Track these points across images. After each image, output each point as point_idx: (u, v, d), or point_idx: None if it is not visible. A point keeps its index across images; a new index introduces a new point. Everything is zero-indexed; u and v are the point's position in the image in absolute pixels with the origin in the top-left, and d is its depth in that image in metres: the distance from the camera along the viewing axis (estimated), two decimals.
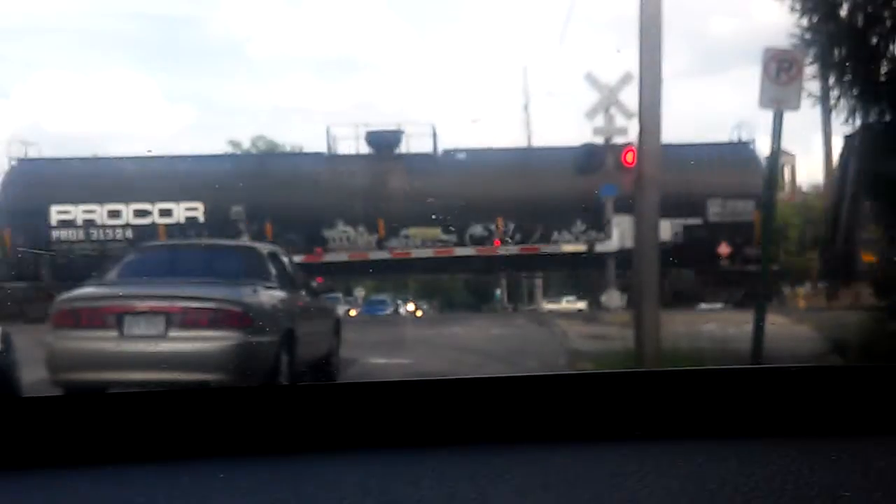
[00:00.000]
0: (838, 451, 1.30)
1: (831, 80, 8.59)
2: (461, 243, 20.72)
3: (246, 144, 58.43)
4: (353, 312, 32.70)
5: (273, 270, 8.94)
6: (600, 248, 20.09)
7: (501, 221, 20.18)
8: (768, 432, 1.34)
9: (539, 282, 33.09)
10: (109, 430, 1.28)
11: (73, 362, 7.56)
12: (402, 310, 40.02)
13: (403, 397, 1.39)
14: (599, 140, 20.42)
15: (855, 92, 8.31)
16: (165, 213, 20.41)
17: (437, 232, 20.48)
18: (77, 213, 20.56)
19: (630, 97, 19.44)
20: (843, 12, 8.32)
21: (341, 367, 10.65)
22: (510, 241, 20.30)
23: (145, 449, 1.28)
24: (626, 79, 19.83)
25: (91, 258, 19.15)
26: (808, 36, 8.48)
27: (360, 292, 38.67)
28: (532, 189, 19.49)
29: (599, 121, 20.49)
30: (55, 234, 20.39)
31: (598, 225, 19.83)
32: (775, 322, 10.87)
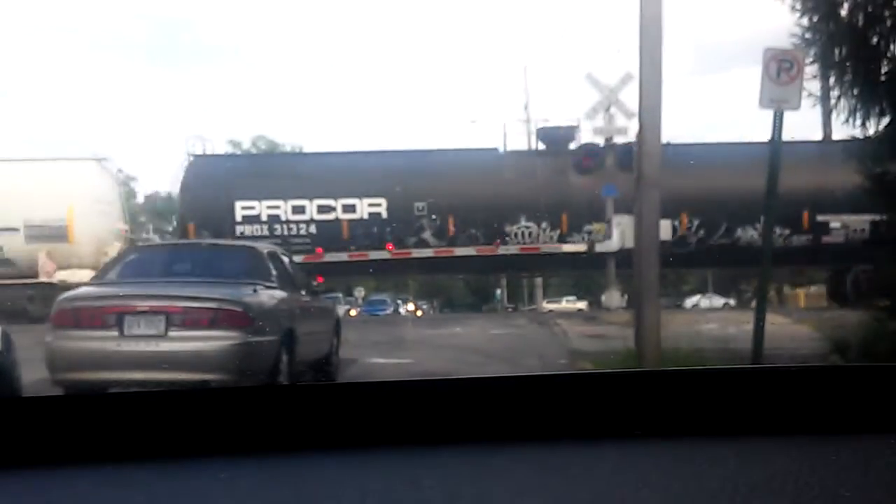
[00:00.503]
0: (838, 451, 1.30)
1: (831, 80, 8.59)
2: None
3: (246, 144, 58.26)
4: (353, 312, 32.73)
5: (273, 270, 8.93)
6: (600, 248, 20.08)
7: (686, 217, 19.92)
8: (768, 432, 1.34)
9: (539, 282, 33.07)
10: (109, 430, 1.28)
11: (73, 362, 7.56)
12: (402, 310, 40.05)
13: (403, 397, 1.39)
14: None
15: (855, 92, 8.31)
16: (349, 208, 20.41)
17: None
18: (261, 208, 20.54)
19: (631, 97, 19.40)
20: (843, 12, 8.31)
21: (341, 367, 10.65)
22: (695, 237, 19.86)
23: (145, 449, 1.28)
24: (626, 78, 19.88)
25: None
26: (808, 36, 8.48)
27: (359, 292, 38.69)
28: (718, 184, 18.90)
29: (599, 121, 20.54)
30: (239, 229, 20.38)
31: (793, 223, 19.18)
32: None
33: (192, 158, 22.09)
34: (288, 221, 20.77)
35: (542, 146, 21.73)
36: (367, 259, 22.32)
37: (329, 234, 20.23)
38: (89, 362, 7.49)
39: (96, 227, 19.34)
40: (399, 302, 42.67)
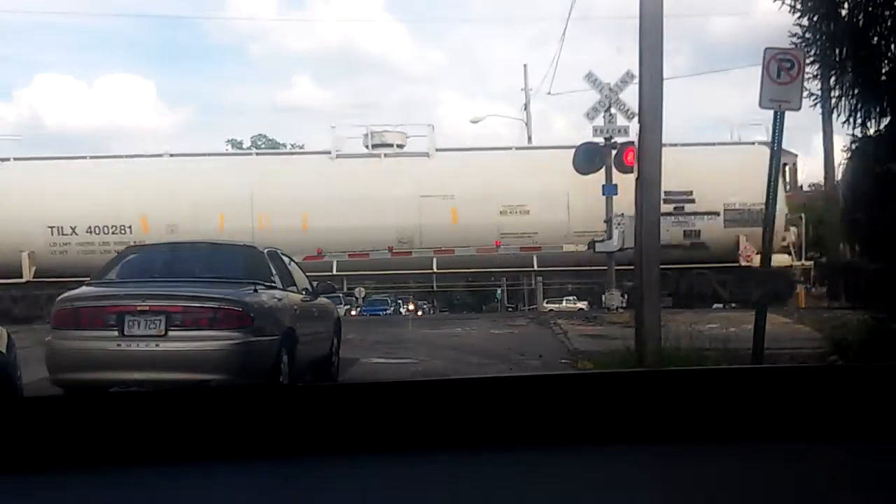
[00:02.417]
0: (838, 452, 1.30)
1: (831, 80, 8.58)
2: None
3: (246, 144, 58.28)
4: (353, 312, 32.72)
5: (273, 270, 8.92)
6: (600, 248, 20.06)
7: None
8: (769, 432, 1.34)
9: (539, 281, 32.96)
10: (109, 430, 1.28)
11: (73, 362, 7.55)
12: (402, 310, 40.05)
13: (404, 398, 1.39)
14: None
15: (855, 92, 8.31)
16: None
17: None
18: None
19: (632, 97, 19.35)
20: (843, 12, 8.31)
21: (342, 367, 10.65)
22: None
23: (145, 449, 1.27)
24: (626, 78, 19.86)
25: None
26: (808, 36, 8.47)
27: (360, 292, 38.70)
28: None
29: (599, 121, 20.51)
30: None
31: None
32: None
33: None
34: None
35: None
36: (367, 259, 22.35)
37: None
38: (89, 362, 7.48)
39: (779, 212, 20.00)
40: (399, 302, 42.71)
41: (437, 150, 22.95)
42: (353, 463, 1.26)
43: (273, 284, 8.62)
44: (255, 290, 8.04)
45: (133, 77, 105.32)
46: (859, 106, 8.36)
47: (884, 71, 8.22)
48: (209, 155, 24.76)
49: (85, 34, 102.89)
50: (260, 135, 58.35)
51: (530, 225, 21.92)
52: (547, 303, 36.79)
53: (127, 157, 23.80)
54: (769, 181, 8.80)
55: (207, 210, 21.24)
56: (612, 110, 20.31)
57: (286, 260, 9.88)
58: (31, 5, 75.82)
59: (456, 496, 1.17)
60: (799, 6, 8.45)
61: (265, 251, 9.42)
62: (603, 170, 19.91)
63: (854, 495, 1.16)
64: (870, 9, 8.05)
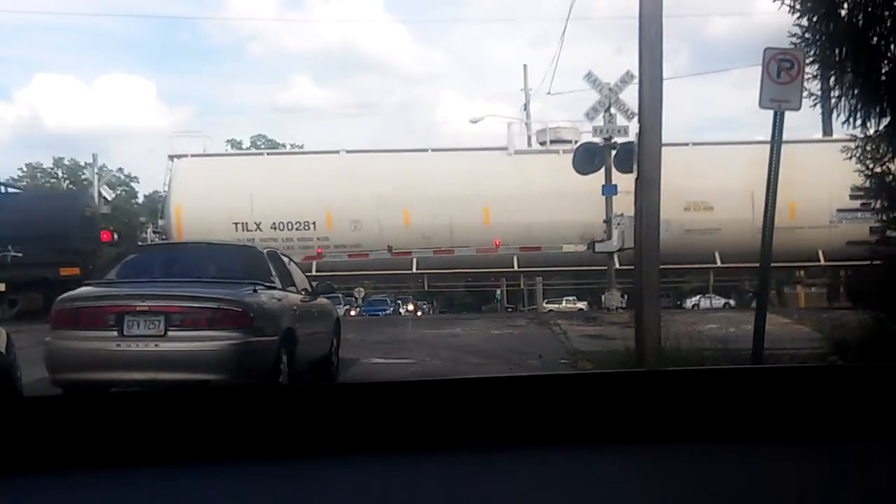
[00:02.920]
0: (838, 452, 1.30)
1: (831, 80, 8.57)
2: None
3: (246, 144, 58.27)
4: (352, 312, 32.70)
5: (273, 270, 8.92)
6: (600, 248, 20.06)
7: None
8: (769, 432, 1.34)
9: (539, 281, 32.92)
10: (109, 430, 1.28)
11: (73, 362, 7.55)
12: (402, 310, 40.03)
13: (404, 398, 1.39)
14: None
15: (855, 92, 8.30)
16: None
17: None
18: None
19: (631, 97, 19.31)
20: (843, 12, 8.30)
21: (341, 367, 10.65)
22: None
23: (144, 449, 1.27)
24: (626, 78, 19.85)
25: None
26: (808, 36, 8.46)
27: (359, 292, 38.68)
28: None
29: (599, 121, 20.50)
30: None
31: None
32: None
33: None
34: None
35: None
36: (367, 259, 22.36)
37: None
38: (89, 362, 7.48)
39: None
40: (399, 302, 42.70)
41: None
42: (353, 463, 1.26)
43: (272, 284, 8.62)
44: (255, 291, 8.04)
45: (133, 77, 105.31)
46: (859, 106, 8.34)
47: (884, 71, 8.20)
48: (386, 151, 24.21)
49: (85, 34, 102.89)
50: (259, 135, 58.37)
51: (714, 221, 21.65)
52: (547, 303, 36.80)
53: (307, 153, 23.53)
54: (769, 181, 8.80)
55: (390, 205, 21.38)
56: (612, 110, 20.30)
57: (286, 260, 9.88)
58: (31, 5, 75.84)
59: (456, 496, 1.17)
60: (799, 6, 8.44)
61: (265, 251, 9.42)
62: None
63: (854, 495, 1.16)
64: (870, 9, 8.04)
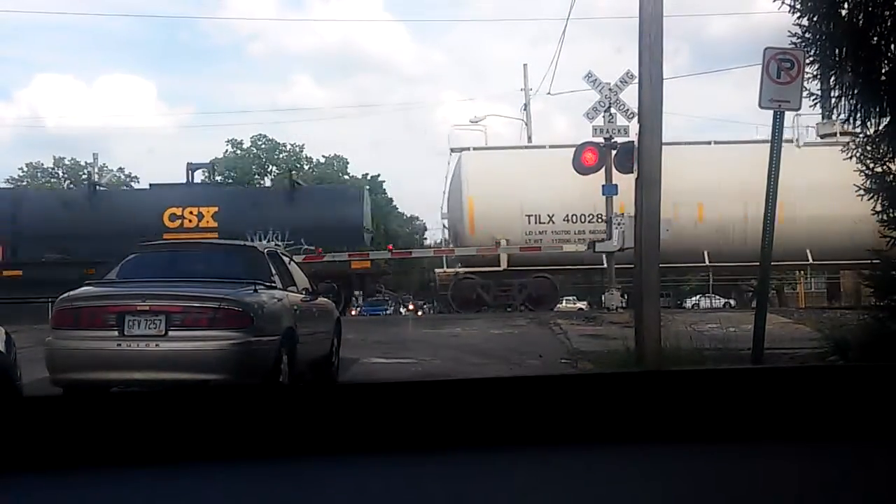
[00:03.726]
0: (838, 451, 1.30)
1: (831, 80, 8.57)
2: None
3: (246, 144, 58.17)
4: (353, 312, 32.70)
5: (273, 270, 8.92)
6: (600, 248, 20.06)
7: None
8: (769, 433, 1.34)
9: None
10: (109, 430, 1.28)
11: (73, 362, 7.54)
12: (402, 310, 40.02)
13: (404, 398, 1.39)
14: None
15: (855, 92, 8.30)
16: None
17: None
18: None
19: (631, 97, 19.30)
20: (843, 12, 8.30)
21: (342, 367, 10.64)
22: None
23: (145, 449, 1.27)
24: (626, 78, 19.86)
25: None
26: (808, 36, 8.46)
27: (359, 292, 38.63)
28: None
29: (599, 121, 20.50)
30: None
31: None
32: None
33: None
34: None
35: None
36: (368, 258, 22.37)
37: None
38: (89, 362, 7.47)
39: None
40: (399, 302, 42.68)
41: None
42: (353, 463, 1.26)
43: (273, 284, 8.61)
44: (255, 290, 8.03)
45: (133, 77, 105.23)
46: (859, 106, 8.35)
47: (884, 71, 8.20)
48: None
49: (85, 34, 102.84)
50: (260, 135, 58.35)
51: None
52: None
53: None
54: (769, 181, 8.80)
55: (686, 202, 20.66)
56: (612, 110, 20.31)
57: (286, 259, 9.88)
58: (31, 5, 75.82)
59: (456, 496, 1.17)
60: (799, 6, 8.44)
61: (265, 251, 9.42)
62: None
63: (854, 495, 1.16)
64: (870, 9, 8.04)
